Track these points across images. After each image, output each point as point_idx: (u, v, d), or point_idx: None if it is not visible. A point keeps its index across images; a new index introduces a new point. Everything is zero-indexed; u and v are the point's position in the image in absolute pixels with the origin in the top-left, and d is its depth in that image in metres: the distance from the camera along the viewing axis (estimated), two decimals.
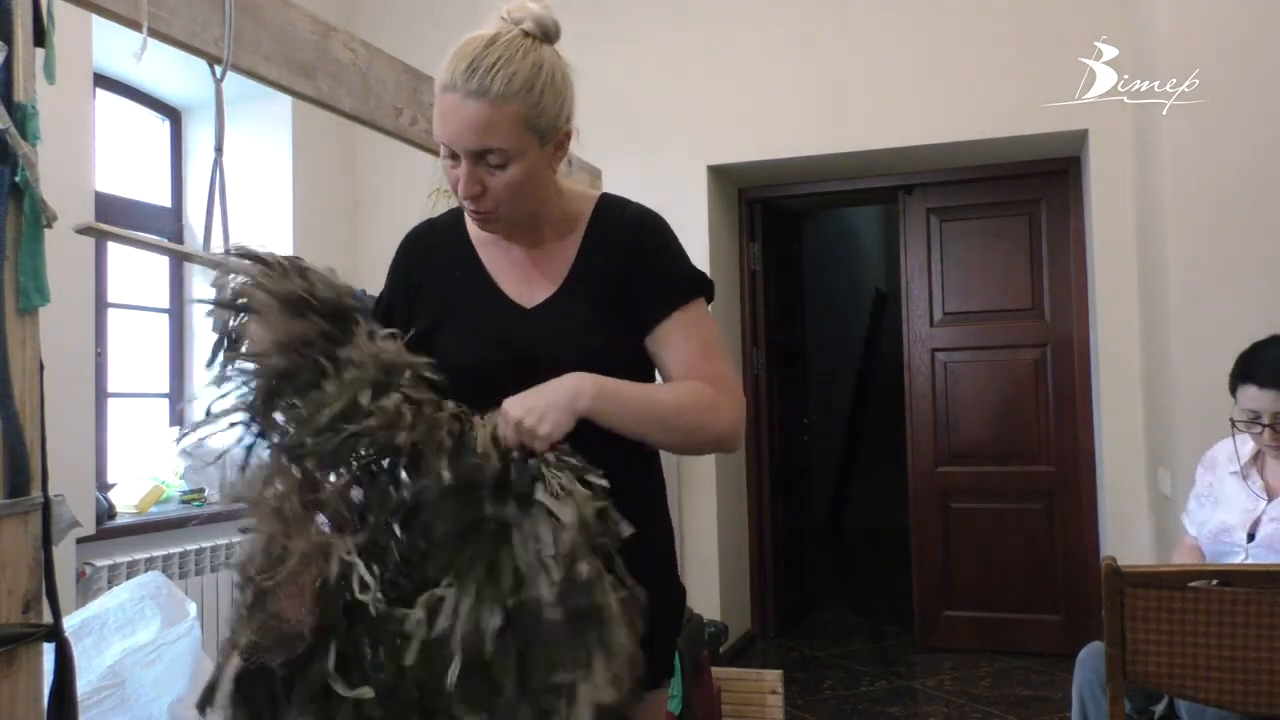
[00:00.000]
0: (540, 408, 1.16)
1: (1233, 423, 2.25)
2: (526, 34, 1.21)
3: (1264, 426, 2.18)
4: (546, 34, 1.22)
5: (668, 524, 1.39)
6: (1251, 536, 2.19)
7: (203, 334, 4.01)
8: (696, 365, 1.28)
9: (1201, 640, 1.82)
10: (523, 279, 1.33)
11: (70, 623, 1.94)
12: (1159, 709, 2.16)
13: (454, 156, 1.23)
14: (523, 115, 1.19)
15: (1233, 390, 2.26)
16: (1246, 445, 2.28)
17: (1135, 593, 1.87)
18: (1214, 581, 1.89)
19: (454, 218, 1.40)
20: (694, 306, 1.31)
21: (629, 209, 1.36)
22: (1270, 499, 2.22)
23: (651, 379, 1.34)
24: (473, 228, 1.37)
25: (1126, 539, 3.81)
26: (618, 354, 1.28)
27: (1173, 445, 3.19)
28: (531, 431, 1.14)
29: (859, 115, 4.10)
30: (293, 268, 1.16)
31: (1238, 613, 1.81)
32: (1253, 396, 2.19)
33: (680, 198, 4.23)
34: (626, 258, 1.31)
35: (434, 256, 1.37)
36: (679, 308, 1.30)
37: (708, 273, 1.36)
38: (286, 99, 3.20)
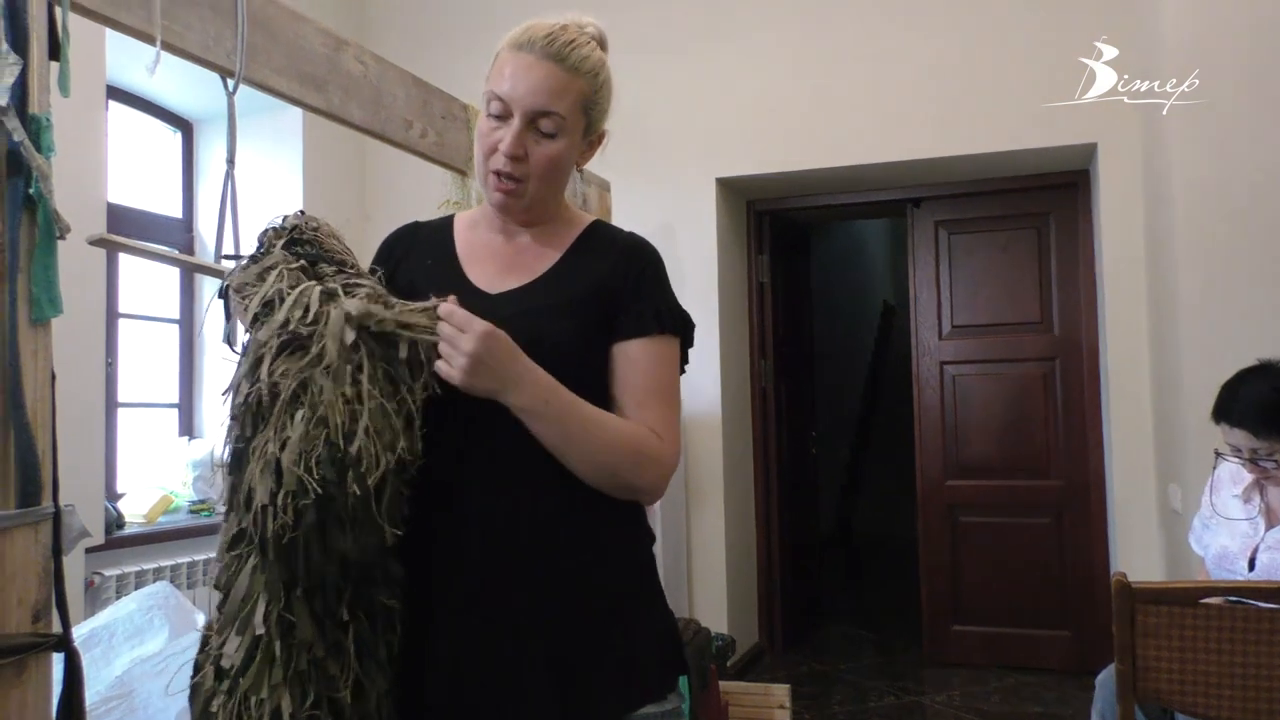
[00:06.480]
0: (469, 358, 1.13)
1: (1217, 453, 2.26)
2: (591, 37, 1.31)
3: (1244, 460, 2.19)
4: (604, 44, 1.35)
5: (646, 547, 1.32)
6: (1252, 564, 2.18)
7: (212, 345, 4.03)
8: (645, 402, 1.25)
9: (1213, 657, 1.81)
10: (496, 271, 1.31)
11: (79, 632, 1.94)
12: None
13: (501, 118, 1.25)
14: (584, 95, 1.28)
15: (1215, 421, 2.26)
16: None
17: (1146, 609, 1.85)
18: (1226, 598, 1.87)
19: (443, 221, 1.41)
20: (665, 341, 1.28)
21: (624, 233, 1.36)
22: (1270, 525, 2.20)
23: (605, 381, 1.28)
24: (464, 224, 1.37)
25: (1137, 554, 3.79)
26: (575, 350, 1.24)
27: (1183, 460, 3.17)
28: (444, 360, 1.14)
29: (867, 128, 4.10)
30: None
31: (1249, 629, 1.79)
32: (1228, 433, 2.20)
33: (689, 210, 4.24)
34: (614, 271, 1.29)
35: (413, 252, 1.37)
36: (651, 335, 1.27)
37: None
38: (297, 111, 3.23)
